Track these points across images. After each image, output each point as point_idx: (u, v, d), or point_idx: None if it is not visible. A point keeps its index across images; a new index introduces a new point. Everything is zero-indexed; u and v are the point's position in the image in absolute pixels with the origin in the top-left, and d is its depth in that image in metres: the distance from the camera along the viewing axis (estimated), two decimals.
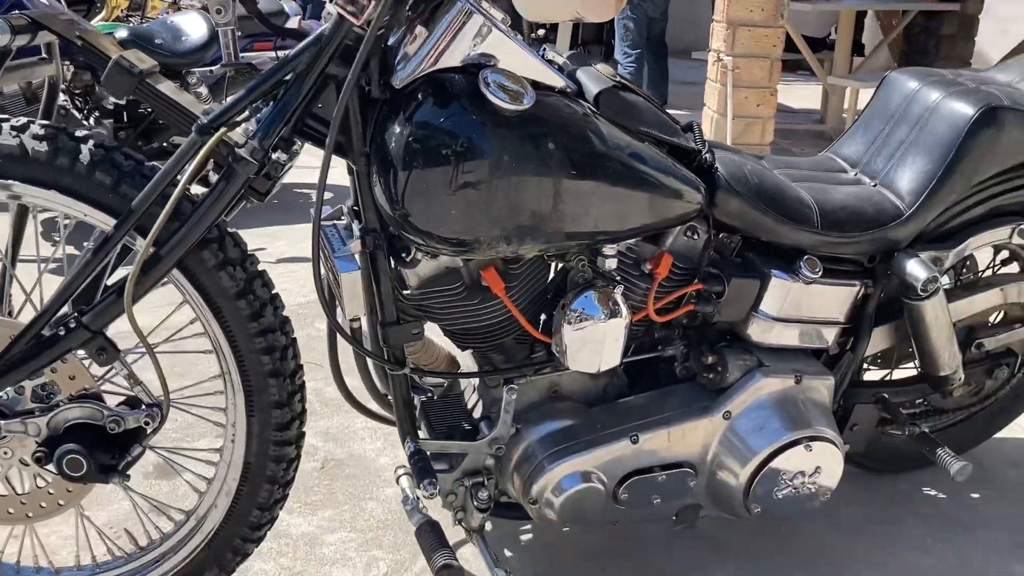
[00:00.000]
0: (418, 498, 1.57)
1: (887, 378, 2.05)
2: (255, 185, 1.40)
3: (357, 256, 1.47)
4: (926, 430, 1.88)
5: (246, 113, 1.39)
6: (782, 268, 1.66)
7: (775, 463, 1.66)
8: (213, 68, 4.05)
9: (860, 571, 1.85)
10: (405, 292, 1.53)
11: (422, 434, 1.67)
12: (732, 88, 4.98)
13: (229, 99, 1.37)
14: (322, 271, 1.55)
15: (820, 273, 1.66)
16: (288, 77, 1.38)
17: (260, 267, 1.52)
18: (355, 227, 1.50)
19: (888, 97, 1.87)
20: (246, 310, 1.46)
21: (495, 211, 1.38)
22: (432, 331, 1.62)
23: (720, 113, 5.24)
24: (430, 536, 1.51)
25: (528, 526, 1.95)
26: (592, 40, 6.63)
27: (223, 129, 1.34)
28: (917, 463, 2.08)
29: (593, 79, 1.52)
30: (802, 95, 7.24)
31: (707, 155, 1.62)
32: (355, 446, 2.25)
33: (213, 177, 1.40)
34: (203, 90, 3.87)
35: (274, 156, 1.38)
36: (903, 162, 1.76)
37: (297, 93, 1.36)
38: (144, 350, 1.40)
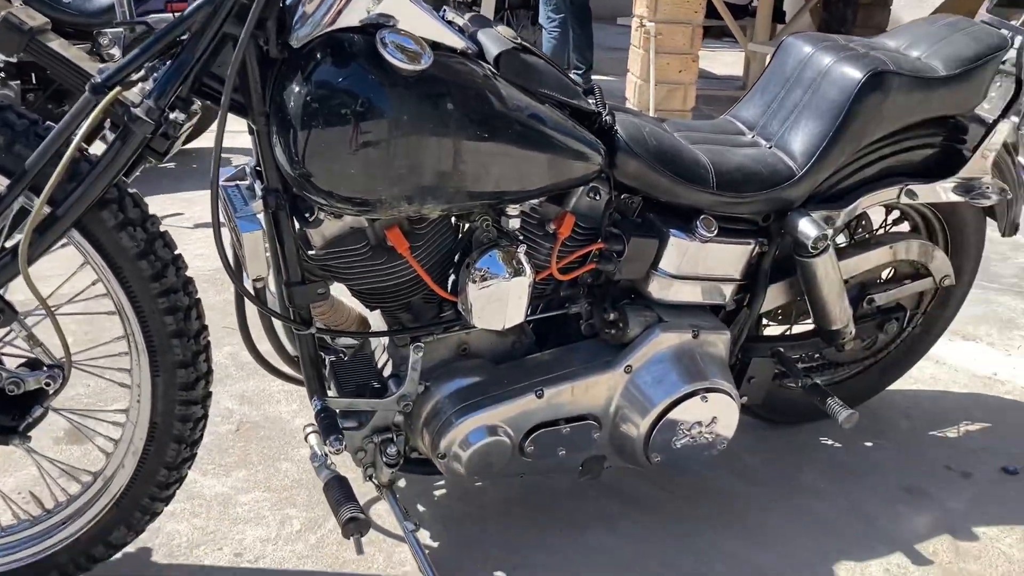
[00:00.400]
0: (326, 455, 1.60)
1: (786, 333, 2.14)
2: (153, 145, 1.39)
3: (260, 216, 1.49)
4: (818, 381, 1.97)
5: (142, 72, 1.39)
6: (680, 227, 1.72)
7: (673, 414, 1.73)
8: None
9: (759, 517, 1.94)
10: (310, 252, 1.54)
11: (331, 393, 1.70)
12: (655, 54, 5.03)
13: (124, 58, 1.36)
14: (228, 234, 1.56)
15: (716, 232, 1.72)
16: (185, 36, 1.38)
17: (162, 228, 1.52)
18: (257, 187, 1.51)
19: (784, 62, 1.93)
20: (148, 271, 1.45)
21: (395, 171, 1.40)
22: (343, 293, 1.64)
23: (643, 79, 5.30)
24: (337, 490, 1.54)
25: (441, 482, 2.00)
26: (518, 5, 6.61)
27: (117, 88, 1.33)
28: (814, 415, 2.18)
29: (494, 41, 1.55)
30: (726, 61, 7.35)
31: (607, 117, 1.66)
32: (270, 409, 2.27)
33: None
34: (115, 51, 3.76)
35: (172, 116, 1.38)
36: (796, 125, 1.82)
37: (193, 52, 1.36)
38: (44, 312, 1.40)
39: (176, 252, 1.52)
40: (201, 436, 1.63)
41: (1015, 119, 2.05)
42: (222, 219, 1.46)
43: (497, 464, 1.69)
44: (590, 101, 1.68)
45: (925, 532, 1.91)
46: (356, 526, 1.49)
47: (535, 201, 1.63)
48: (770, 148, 1.84)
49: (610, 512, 1.94)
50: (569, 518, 1.91)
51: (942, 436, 2.28)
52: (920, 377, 2.50)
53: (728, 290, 1.82)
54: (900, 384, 2.38)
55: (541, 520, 1.90)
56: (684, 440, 1.77)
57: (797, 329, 2.15)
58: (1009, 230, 2.12)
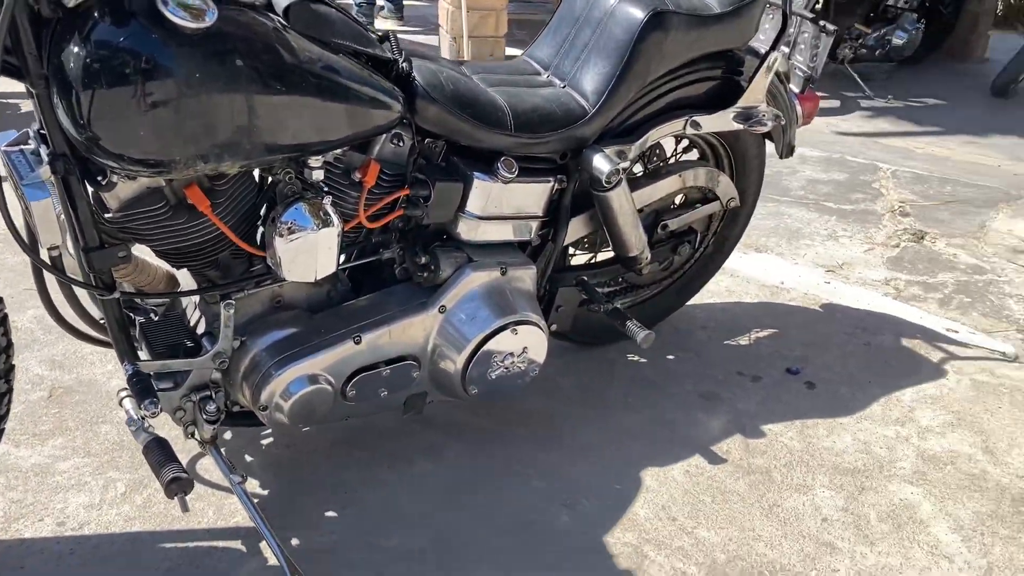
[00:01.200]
0: (142, 418, 1.59)
1: (591, 261, 2.27)
2: None
3: (49, 182, 1.43)
4: (618, 306, 2.12)
5: None
6: (483, 170, 1.78)
7: (486, 348, 1.82)
8: None
9: (573, 434, 2.09)
10: (106, 215, 1.50)
11: (144, 355, 1.68)
12: None
13: None
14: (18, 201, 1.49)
15: (516, 173, 1.79)
16: None
17: None
18: (43, 152, 1.45)
19: (573, 2, 2.01)
20: None
21: (187, 130, 1.38)
22: (148, 250, 1.61)
23: (455, 5, 5.28)
24: (157, 453, 1.54)
25: (268, 430, 2.02)
26: None
27: None
28: (621, 335, 2.33)
29: None
30: None
31: (404, 64, 1.68)
32: (84, 371, 2.21)
33: None
34: None
35: None
36: (587, 64, 1.91)
37: None
38: None
39: None
40: (8, 411, 1.58)
41: (785, 49, 2.23)
42: (9, 186, 1.41)
43: (320, 411, 1.73)
44: (385, 48, 1.69)
45: (719, 433, 2.11)
46: (179, 486, 1.50)
47: (338, 151, 1.65)
48: (564, 88, 1.92)
49: (435, 443, 2.03)
50: (395, 453, 1.99)
51: (735, 344, 2.50)
52: (716, 290, 2.72)
53: (533, 226, 1.91)
54: (698, 298, 2.58)
55: (368, 457, 1.97)
56: (499, 371, 1.87)
57: (602, 256, 2.29)
58: (785, 152, 2.31)
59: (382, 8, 5.90)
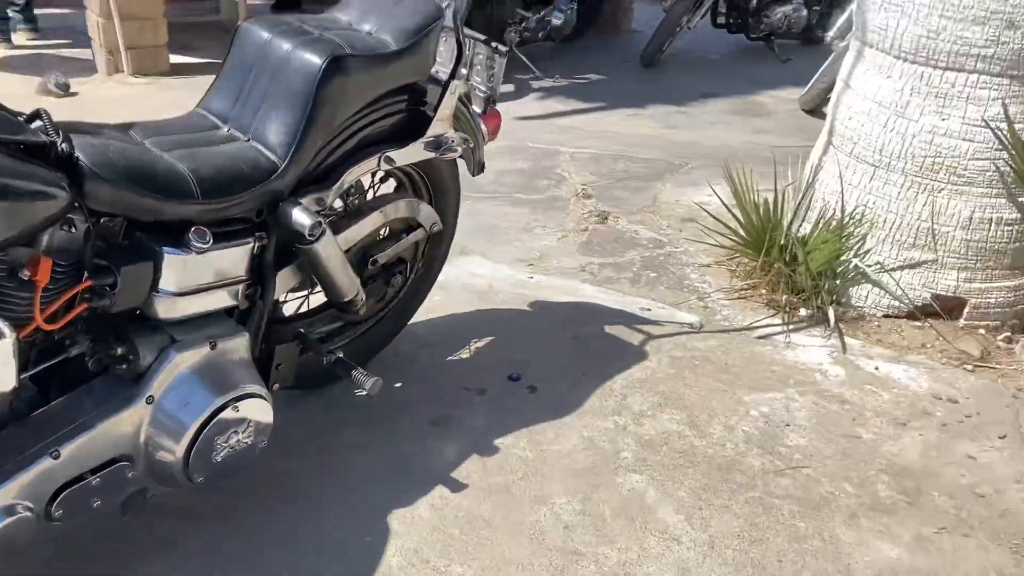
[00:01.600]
0: None
1: (306, 310, 2.20)
2: None
3: None
4: (340, 355, 2.07)
5: None
6: (172, 243, 1.65)
7: (207, 432, 1.70)
8: None
9: (312, 490, 2.02)
10: None
11: None
12: None
13: None
14: None
15: (211, 241, 1.68)
16: None
17: None
18: None
19: (243, 49, 1.90)
20: None
21: None
22: None
23: (105, 16, 4.85)
24: None
25: None
26: None
27: None
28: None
29: None
30: None
31: (63, 145, 1.51)
32: None
33: None
34: None
35: None
36: (269, 115, 1.82)
37: None
38: None
39: None
40: None
41: (464, 71, 2.27)
42: None
43: (23, 540, 1.53)
44: (36, 128, 1.51)
45: (456, 458, 2.15)
46: None
47: None
48: (248, 142, 1.82)
49: (165, 535, 1.88)
50: (123, 555, 1.82)
51: (457, 359, 2.55)
52: (431, 306, 2.73)
53: (239, 290, 1.81)
54: (416, 316, 2.57)
55: (93, 570, 1.78)
56: (224, 452, 1.76)
57: (316, 299, 2.22)
58: (476, 170, 2.37)
59: (17, 22, 5.27)
